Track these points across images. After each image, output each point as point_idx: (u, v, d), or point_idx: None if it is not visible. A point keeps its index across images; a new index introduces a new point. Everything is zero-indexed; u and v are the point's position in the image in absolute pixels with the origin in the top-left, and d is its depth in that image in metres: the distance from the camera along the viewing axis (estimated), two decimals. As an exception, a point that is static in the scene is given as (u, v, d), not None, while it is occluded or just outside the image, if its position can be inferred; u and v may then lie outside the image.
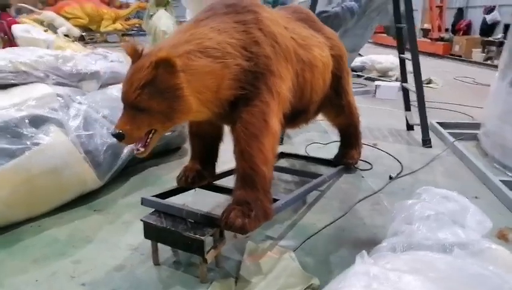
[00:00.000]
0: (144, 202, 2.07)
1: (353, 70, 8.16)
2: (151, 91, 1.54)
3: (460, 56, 11.36)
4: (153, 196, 2.09)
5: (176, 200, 2.14)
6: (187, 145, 3.15)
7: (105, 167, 2.71)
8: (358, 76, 7.74)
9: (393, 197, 2.69)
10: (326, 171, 2.88)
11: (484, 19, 12.35)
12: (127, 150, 2.82)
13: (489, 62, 10.07)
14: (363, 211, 2.55)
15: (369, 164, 3.31)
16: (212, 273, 1.91)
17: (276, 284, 1.77)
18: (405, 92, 4.41)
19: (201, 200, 2.46)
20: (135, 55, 1.62)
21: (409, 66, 3.99)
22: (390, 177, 3.05)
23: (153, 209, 2.03)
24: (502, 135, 3.21)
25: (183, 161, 3.18)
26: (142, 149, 1.69)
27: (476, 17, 13.17)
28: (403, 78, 4.46)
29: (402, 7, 4.05)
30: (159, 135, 1.72)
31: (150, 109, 1.57)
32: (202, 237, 1.79)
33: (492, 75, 3.85)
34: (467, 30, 13.34)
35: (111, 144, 2.71)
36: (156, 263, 2.01)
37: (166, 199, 2.13)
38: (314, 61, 2.25)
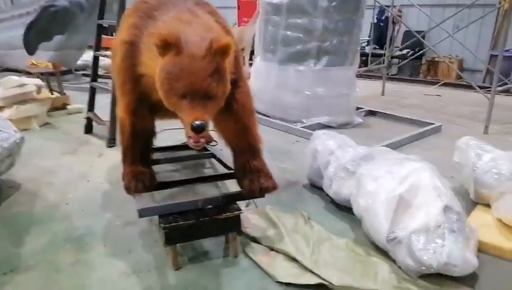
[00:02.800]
0: (143, 213, 1.84)
1: (76, 69, 7.80)
2: (216, 78, 1.55)
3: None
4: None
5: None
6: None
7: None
8: (84, 75, 7.51)
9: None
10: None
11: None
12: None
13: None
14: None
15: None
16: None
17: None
18: (92, 91, 4.12)
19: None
20: (173, 45, 1.52)
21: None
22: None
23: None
24: (280, 99, 4.58)
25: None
26: (203, 140, 1.62)
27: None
28: (94, 77, 4.10)
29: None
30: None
31: (217, 95, 1.57)
32: (237, 212, 1.93)
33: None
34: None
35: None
36: (178, 267, 1.90)
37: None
38: None
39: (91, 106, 4.19)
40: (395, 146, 3.73)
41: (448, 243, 1.73)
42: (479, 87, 5.05)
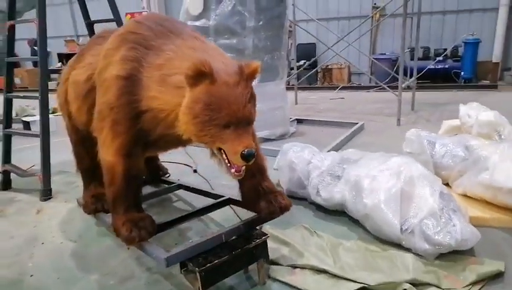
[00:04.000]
0: (170, 260, 1.65)
1: None
2: (253, 103, 1.51)
3: (27, 87, 11.72)
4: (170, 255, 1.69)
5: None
6: None
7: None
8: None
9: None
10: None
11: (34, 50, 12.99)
12: None
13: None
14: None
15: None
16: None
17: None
18: (7, 140, 3.52)
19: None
20: (207, 74, 1.43)
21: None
22: (195, 171, 3.63)
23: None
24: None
25: None
26: (244, 168, 1.53)
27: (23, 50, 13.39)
28: (8, 123, 3.46)
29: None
30: None
31: (254, 120, 1.52)
32: (264, 237, 1.86)
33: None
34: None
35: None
36: (214, 311, 1.74)
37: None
38: None
39: (7, 157, 3.55)
40: (338, 148, 4.03)
41: (457, 222, 1.96)
42: (371, 86, 5.78)
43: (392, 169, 2.22)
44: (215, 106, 1.43)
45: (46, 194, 3.23)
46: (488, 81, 8.19)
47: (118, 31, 1.86)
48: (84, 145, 2.45)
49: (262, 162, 2.01)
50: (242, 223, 1.91)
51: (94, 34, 4.05)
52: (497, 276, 1.87)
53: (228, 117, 1.44)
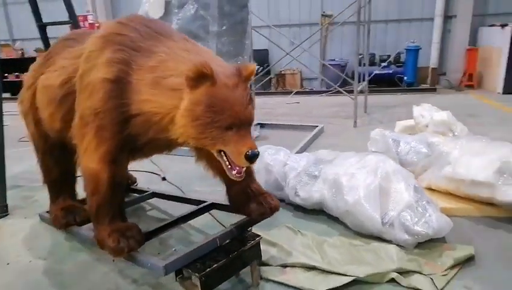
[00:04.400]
0: (169, 268, 1.60)
1: None
2: (252, 104, 1.52)
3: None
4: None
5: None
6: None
7: None
8: None
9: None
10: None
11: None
12: None
13: None
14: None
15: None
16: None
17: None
18: None
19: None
20: (208, 76, 1.43)
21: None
22: (164, 178, 3.54)
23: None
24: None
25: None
26: (244, 170, 1.53)
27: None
28: None
29: None
30: None
31: (253, 122, 1.53)
32: (257, 238, 1.88)
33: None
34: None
35: None
36: (213, 316, 1.72)
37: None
38: None
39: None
40: (303, 150, 4.15)
41: (432, 212, 2.11)
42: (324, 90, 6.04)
43: (369, 166, 2.34)
44: (218, 107, 1.43)
45: (2, 210, 2.97)
46: (427, 85, 8.88)
47: (99, 33, 1.77)
48: (53, 154, 2.30)
49: (251, 168, 2.02)
50: (234, 226, 1.90)
51: (47, 37, 3.83)
52: (469, 260, 2.05)
53: (231, 119, 1.44)
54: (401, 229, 2.11)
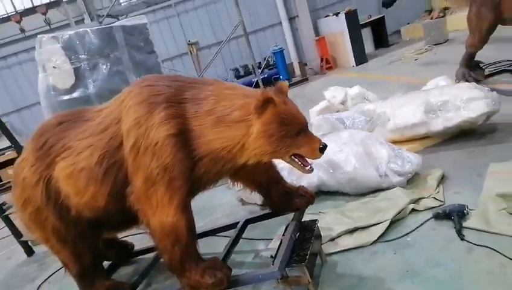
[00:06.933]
0: (281, 268, 1.84)
1: None
2: None
3: None
4: None
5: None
6: None
7: None
8: None
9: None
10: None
11: None
12: None
13: None
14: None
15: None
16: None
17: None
18: None
19: None
20: (271, 100, 1.74)
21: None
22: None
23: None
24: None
25: None
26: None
27: None
28: None
29: None
30: None
31: None
32: (317, 223, 2.23)
33: None
34: None
35: None
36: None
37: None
38: None
39: None
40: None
41: (407, 155, 2.77)
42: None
43: (347, 139, 2.90)
44: (287, 121, 1.75)
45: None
46: (300, 77, 10.19)
47: (134, 100, 1.86)
48: (85, 238, 2.21)
49: (278, 169, 2.35)
50: (295, 221, 2.20)
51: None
52: (442, 179, 2.75)
53: (299, 125, 1.78)
54: (394, 175, 2.71)
